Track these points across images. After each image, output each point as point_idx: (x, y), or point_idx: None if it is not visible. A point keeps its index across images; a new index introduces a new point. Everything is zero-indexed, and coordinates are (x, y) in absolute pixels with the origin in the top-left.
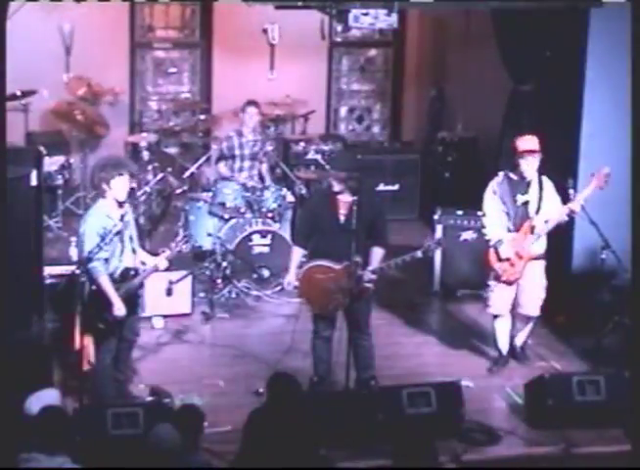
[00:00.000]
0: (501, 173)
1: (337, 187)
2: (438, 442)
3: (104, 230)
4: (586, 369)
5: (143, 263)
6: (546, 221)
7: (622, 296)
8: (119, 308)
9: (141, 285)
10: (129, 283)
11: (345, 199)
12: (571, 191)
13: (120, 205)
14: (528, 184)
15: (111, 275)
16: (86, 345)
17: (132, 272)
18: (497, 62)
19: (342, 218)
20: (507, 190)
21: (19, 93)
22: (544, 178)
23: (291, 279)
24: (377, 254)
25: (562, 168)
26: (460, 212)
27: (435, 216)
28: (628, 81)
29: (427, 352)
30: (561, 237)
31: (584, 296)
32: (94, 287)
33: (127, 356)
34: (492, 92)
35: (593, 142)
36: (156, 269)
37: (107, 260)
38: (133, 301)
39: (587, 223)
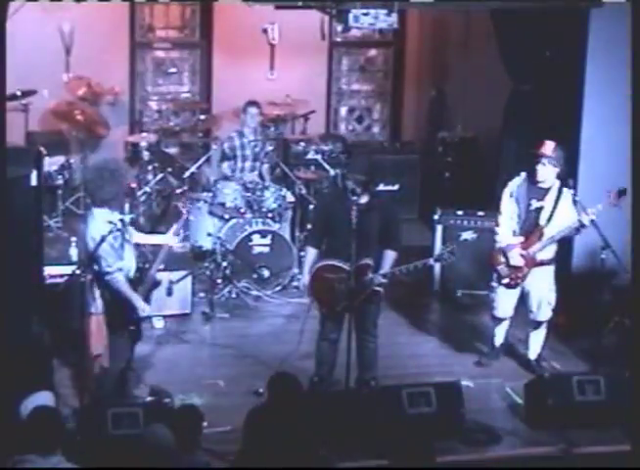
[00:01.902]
0: (523, 174)
1: (357, 189)
2: (438, 442)
3: (111, 236)
4: (586, 369)
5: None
6: (558, 232)
7: (622, 296)
8: (143, 309)
9: (154, 275)
10: (146, 278)
11: (360, 201)
12: (571, 191)
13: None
14: (547, 191)
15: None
16: (102, 350)
17: (146, 265)
18: (497, 62)
19: (355, 220)
20: (524, 193)
21: (19, 93)
22: (565, 189)
23: (306, 280)
24: (389, 257)
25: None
26: (460, 212)
27: (435, 216)
28: (628, 81)
29: (427, 353)
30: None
31: (584, 296)
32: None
33: (134, 352)
34: (492, 92)
35: (593, 143)
36: (169, 247)
37: (121, 269)
38: (150, 295)
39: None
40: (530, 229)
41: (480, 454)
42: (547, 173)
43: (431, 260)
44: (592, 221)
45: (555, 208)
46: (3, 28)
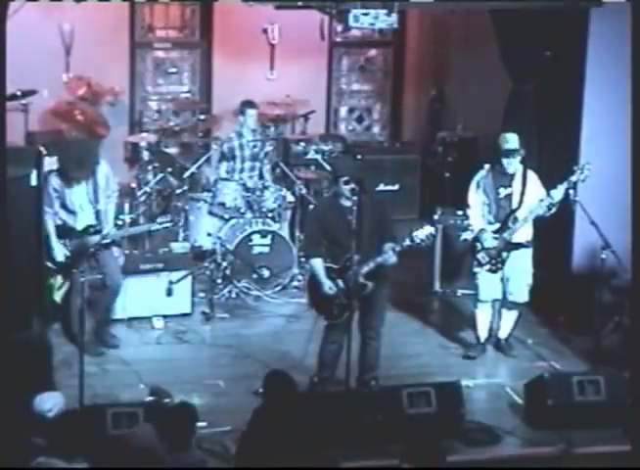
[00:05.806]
0: (486, 166)
1: (346, 192)
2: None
3: None
4: (586, 369)
5: None
6: (530, 212)
7: (622, 296)
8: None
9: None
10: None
11: (352, 203)
12: (571, 191)
13: None
14: (512, 177)
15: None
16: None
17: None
18: (497, 62)
19: (352, 224)
20: (490, 183)
21: (19, 93)
22: (529, 171)
23: (330, 284)
24: (387, 247)
25: (562, 168)
26: (460, 212)
27: (435, 216)
28: (628, 81)
29: (427, 353)
30: (561, 237)
31: (584, 296)
32: None
33: (103, 303)
34: (492, 92)
35: (593, 142)
36: None
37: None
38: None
39: (587, 223)
40: (505, 216)
41: (480, 454)
42: (516, 163)
43: (399, 246)
44: (583, 207)
45: (524, 191)
46: (3, 28)
